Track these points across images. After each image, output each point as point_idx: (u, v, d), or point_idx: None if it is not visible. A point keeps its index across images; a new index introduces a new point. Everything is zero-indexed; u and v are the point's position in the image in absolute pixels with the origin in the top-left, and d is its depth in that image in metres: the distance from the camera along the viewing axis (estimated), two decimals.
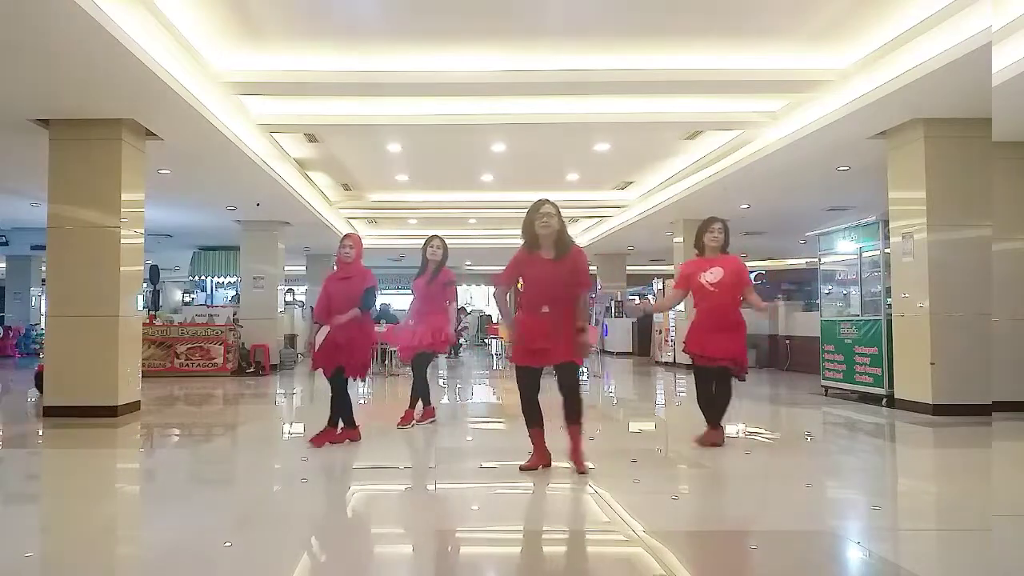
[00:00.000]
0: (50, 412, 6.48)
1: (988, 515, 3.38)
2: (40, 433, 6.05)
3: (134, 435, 6.09)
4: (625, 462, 4.49)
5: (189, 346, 11.40)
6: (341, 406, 5.11)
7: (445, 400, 7.61)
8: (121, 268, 6.67)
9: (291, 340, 14.73)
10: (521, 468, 4.21)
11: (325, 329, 5.12)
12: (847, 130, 6.93)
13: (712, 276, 5.03)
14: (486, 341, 19.95)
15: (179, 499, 3.94)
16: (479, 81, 6.43)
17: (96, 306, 6.59)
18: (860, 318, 8.08)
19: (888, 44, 5.73)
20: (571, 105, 7.25)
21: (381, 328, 10.31)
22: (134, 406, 6.87)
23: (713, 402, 5.10)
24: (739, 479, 4.40)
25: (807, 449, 5.15)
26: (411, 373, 6.11)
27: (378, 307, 11.26)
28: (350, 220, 14.73)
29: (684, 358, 12.27)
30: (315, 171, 10.47)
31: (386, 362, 11.94)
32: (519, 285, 4.46)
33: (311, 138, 8.57)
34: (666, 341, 14.16)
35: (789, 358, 12.02)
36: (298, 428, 6.83)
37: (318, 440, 5.03)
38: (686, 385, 10.47)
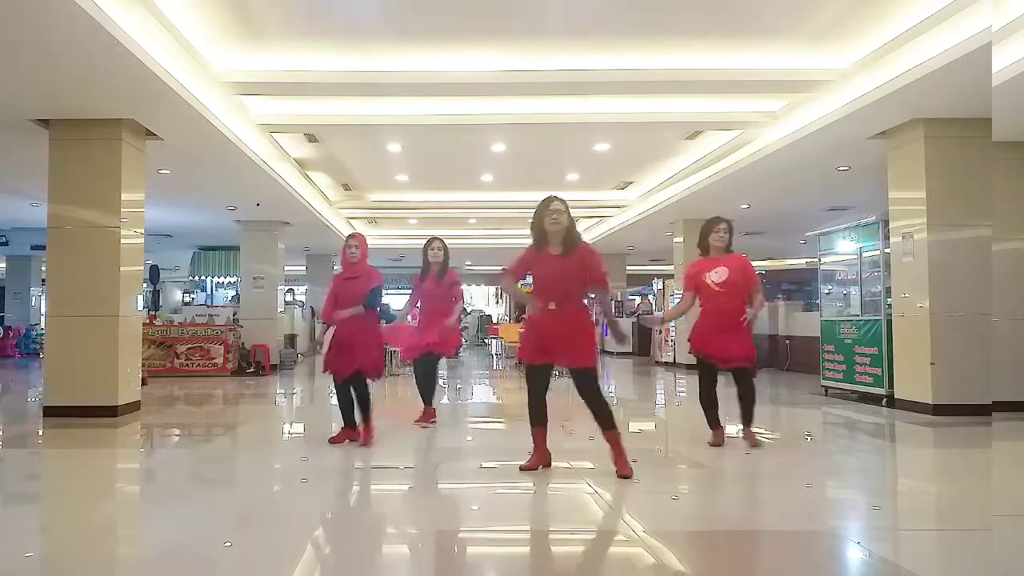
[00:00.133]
0: (50, 412, 6.48)
1: (988, 515, 3.38)
2: (40, 433, 6.05)
3: (134, 435, 6.09)
4: None
5: (189, 346, 11.40)
6: (362, 406, 5.09)
7: (445, 400, 7.62)
8: (121, 268, 6.67)
9: (291, 340, 14.74)
10: (521, 468, 4.21)
11: (332, 330, 5.12)
12: (847, 130, 6.93)
13: (717, 276, 5.00)
14: (486, 341, 19.96)
15: (179, 499, 3.94)
16: (479, 81, 6.43)
17: (96, 306, 6.59)
18: (860, 318, 8.08)
19: (888, 44, 5.73)
20: (571, 105, 7.25)
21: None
22: (134, 406, 6.87)
23: (716, 403, 5.10)
24: (739, 479, 4.40)
25: (807, 449, 5.16)
26: (412, 373, 6.11)
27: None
28: (350, 220, 14.73)
29: (684, 358, 12.40)
30: (315, 171, 10.47)
31: (387, 362, 11.94)
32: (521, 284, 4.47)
33: (311, 138, 8.57)
34: (666, 341, 14.15)
35: (789, 358, 12.02)
36: (298, 428, 6.84)
37: (367, 436, 5.03)
38: (686, 385, 10.48)
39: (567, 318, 4.08)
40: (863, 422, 6.67)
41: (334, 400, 5.43)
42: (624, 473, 4.02)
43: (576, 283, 4.13)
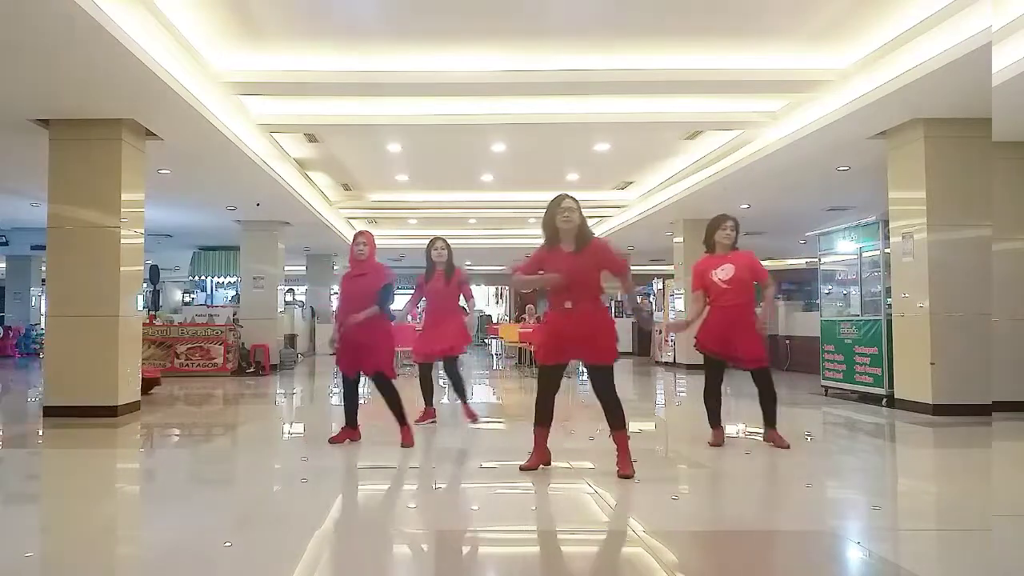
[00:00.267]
0: (50, 412, 6.48)
1: (988, 515, 3.37)
2: (40, 433, 6.05)
3: (134, 435, 6.09)
4: None
5: (189, 346, 11.40)
6: (394, 408, 5.08)
7: (445, 400, 7.61)
8: (121, 268, 6.67)
9: (291, 340, 14.74)
10: (521, 468, 4.21)
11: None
12: (847, 130, 6.93)
13: (724, 273, 4.98)
14: (486, 341, 19.96)
15: (179, 499, 3.94)
16: (479, 81, 6.43)
17: (96, 306, 6.59)
18: (860, 318, 8.08)
19: (888, 44, 5.73)
20: (571, 105, 7.25)
21: None
22: (134, 406, 6.87)
23: (720, 401, 5.09)
24: (739, 479, 4.40)
25: (807, 449, 5.15)
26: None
27: None
28: (350, 220, 14.73)
29: (684, 358, 12.41)
30: (315, 171, 10.47)
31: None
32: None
33: (311, 138, 8.57)
34: (666, 341, 14.15)
35: (789, 358, 12.03)
36: (298, 428, 6.84)
37: (407, 439, 5.02)
38: (686, 385, 10.47)
39: (585, 315, 4.07)
40: (863, 422, 6.67)
41: (335, 400, 5.43)
42: (626, 473, 4.02)
43: (592, 280, 4.12)
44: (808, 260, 17.44)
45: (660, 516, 3.46)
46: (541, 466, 4.25)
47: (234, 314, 13.03)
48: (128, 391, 6.76)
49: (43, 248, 7.53)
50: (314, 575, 2.76)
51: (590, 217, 14.66)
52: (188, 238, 15.26)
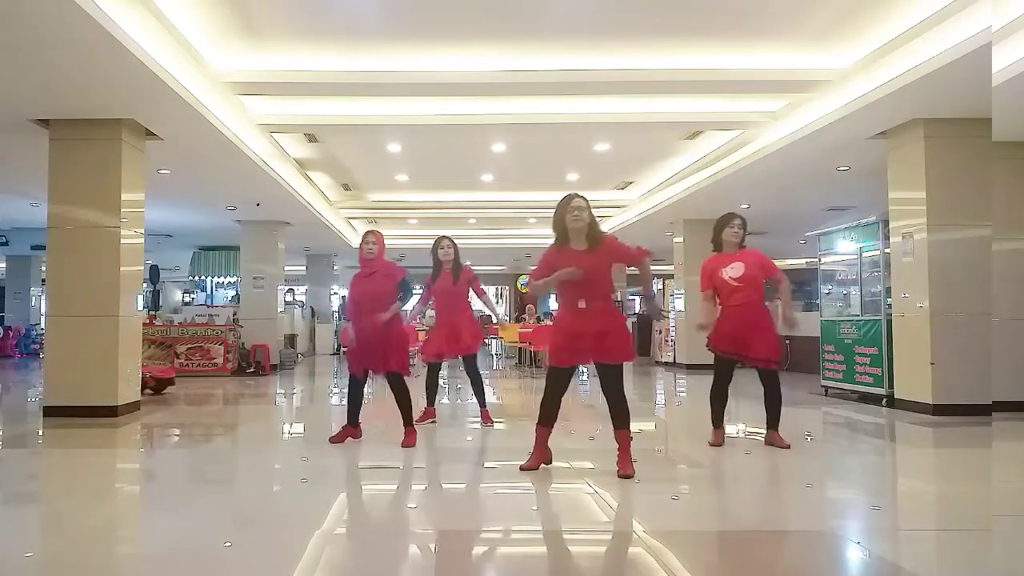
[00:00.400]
0: (50, 412, 6.48)
1: (988, 515, 3.37)
2: (40, 433, 6.05)
3: (134, 435, 6.08)
4: None
5: (189, 346, 11.40)
6: (403, 408, 5.08)
7: (445, 400, 7.61)
8: (121, 268, 6.67)
9: (291, 340, 14.74)
10: (521, 468, 4.21)
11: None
12: (847, 130, 6.93)
13: (733, 271, 4.95)
14: (486, 341, 19.96)
15: (179, 499, 3.94)
16: (479, 81, 6.43)
17: (96, 306, 6.59)
18: (860, 318, 8.08)
19: (888, 44, 5.73)
20: (571, 105, 7.25)
21: None
22: (134, 406, 6.87)
23: (725, 401, 5.08)
24: (739, 479, 4.40)
25: (807, 449, 5.15)
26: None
27: None
28: (350, 220, 14.73)
29: (684, 358, 12.41)
30: (315, 171, 10.47)
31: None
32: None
33: (311, 138, 8.57)
34: (666, 341, 14.16)
35: (789, 358, 12.02)
36: (298, 428, 6.84)
37: (410, 439, 5.02)
38: (686, 385, 10.48)
39: (599, 315, 4.06)
40: (863, 422, 6.67)
41: (335, 400, 5.43)
42: (626, 473, 4.02)
43: (605, 278, 4.11)
44: (808, 260, 17.43)
45: (660, 516, 3.46)
46: (542, 465, 4.25)
47: (234, 314, 13.03)
48: (128, 391, 6.76)
49: (43, 248, 7.53)
50: (314, 575, 2.76)
51: None
52: (188, 238, 15.26)
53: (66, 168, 6.66)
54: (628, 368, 4.23)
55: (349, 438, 5.17)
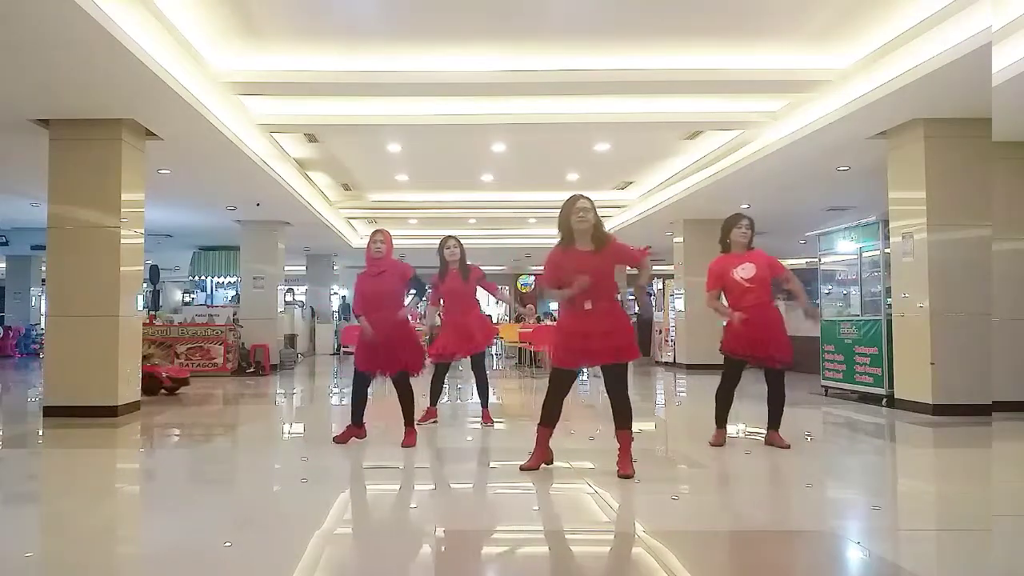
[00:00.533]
0: (50, 412, 6.48)
1: (988, 515, 3.37)
2: (40, 433, 6.05)
3: (134, 435, 6.09)
4: None
5: (189, 346, 11.40)
6: (406, 407, 5.08)
7: (445, 399, 7.61)
8: (121, 268, 6.67)
9: (291, 340, 14.73)
10: (521, 468, 4.21)
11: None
12: (847, 130, 6.93)
13: (745, 272, 4.93)
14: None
15: (179, 499, 3.94)
16: (479, 81, 6.43)
17: (96, 306, 6.59)
18: (860, 318, 8.08)
19: (888, 44, 5.73)
20: (571, 105, 7.25)
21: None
22: (134, 406, 6.87)
23: (731, 402, 5.06)
24: (739, 479, 4.40)
25: (807, 449, 5.15)
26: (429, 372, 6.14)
27: None
28: (350, 220, 14.73)
29: (684, 358, 12.40)
30: (315, 171, 10.47)
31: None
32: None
33: (311, 138, 8.57)
34: (666, 341, 14.16)
35: None
36: (298, 428, 6.84)
37: (410, 439, 5.02)
38: (686, 385, 10.48)
39: (604, 315, 4.06)
40: (863, 422, 6.67)
41: (335, 400, 5.43)
42: (626, 473, 4.02)
43: (610, 279, 4.11)
44: (808, 260, 17.43)
45: (660, 516, 3.46)
46: (543, 465, 4.25)
47: (234, 314, 13.03)
48: (128, 391, 6.76)
49: (43, 248, 7.54)
50: (314, 575, 2.76)
51: None
52: (188, 238, 15.27)
53: (66, 168, 6.66)
54: (628, 367, 4.22)
55: (353, 438, 5.16)
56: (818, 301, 9.44)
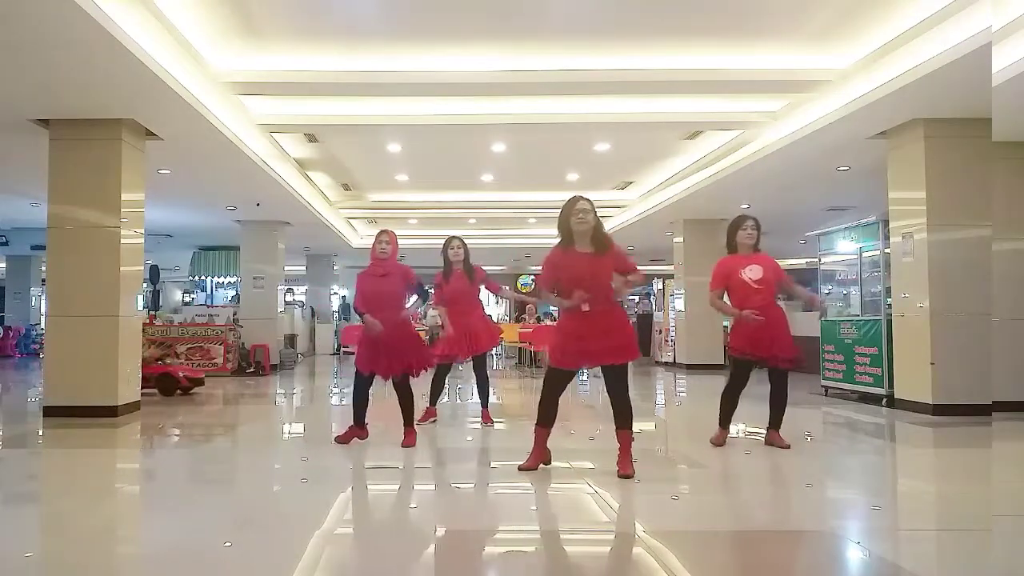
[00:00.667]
0: (50, 412, 6.48)
1: (988, 515, 3.37)
2: (40, 433, 6.05)
3: (134, 435, 6.08)
4: None
5: (189, 346, 11.40)
6: (406, 408, 5.08)
7: (445, 399, 7.61)
8: (121, 268, 6.67)
9: (291, 340, 14.73)
10: (520, 468, 4.21)
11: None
12: (847, 130, 6.93)
13: (753, 273, 4.93)
14: None
15: (179, 499, 3.94)
16: (479, 81, 6.43)
17: (96, 306, 6.59)
18: (860, 318, 8.08)
19: (888, 44, 5.73)
20: (571, 105, 7.25)
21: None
22: (134, 406, 6.87)
23: (736, 403, 5.06)
24: (739, 479, 4.40)
25: (807, 449, 5.15)
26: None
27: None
28: (350, 220, 14.73)
29: (684, 358, 12.40)
30: (315, 171, 10.47)
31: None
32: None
33: (311, 138, 8.57)
34: (666, 341, 14.17)
35: None
36: (298, 428, 6.84)
37: (410, 439, 5.02)
38: (686, 385, 10.48)
39: (603, 317, 4.05)
40: (863, 422, 6.67)
41: (334, 400, 5.42)
42: (626, 473, 4.02)
43: (608, 281, 4.10)
44: (808, 260, 17.44)
45: (660, 516, 3.46)
46: (541, 465, 4.25)
47: (234, 314, 13.03)
48: (128, 391, 6.76)
49: (43, 248, 7.53)
50: (314, 575, 2.76)
51: None
52: (188, 238, 15.27)
53: (66, 168, 6.66)
54: (628, 367, 4.21)
55: (355, 439, 5.15)
56: (824, 295, 9.46)
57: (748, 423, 5.82)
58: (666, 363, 13.89)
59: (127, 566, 2.97)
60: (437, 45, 6.03)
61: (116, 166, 6.65)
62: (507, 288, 6.23)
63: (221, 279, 17.07)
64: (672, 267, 13.66)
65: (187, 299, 20.01)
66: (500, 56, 6.18)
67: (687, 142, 8.81)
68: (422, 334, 9.06)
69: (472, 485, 4.19)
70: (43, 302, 16.11)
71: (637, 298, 19.97)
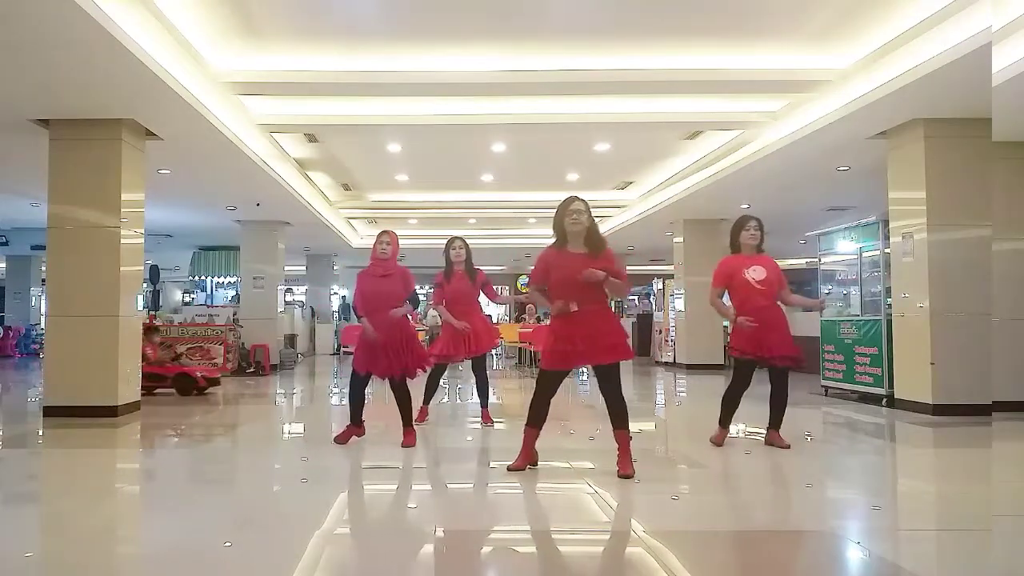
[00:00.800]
0: (50, 412, 6.48)
1: (988, 515, 3.37)
2: (40, 433, 6.05)
3: (134, 435, 6.08)
4: None
5: (189, 346, 11.39)
6: (404, 408, 5.08)
7: (445, 399, 7.62)
8: (121, 268, 6.67)
9: (291, 340, 14.73)
10: (509, 469, 4.21)
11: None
12: (847, 130, 6.93)
13: (756, 274, 4.94)
14: None
15: (179, 499, 3.94)
16: (479, 81, 6.43)
17: (96, 306, 6.59)
18: (860, 318, 8.08)
19: (888, 44, 5.73)
20: (571, 105, 7.25)
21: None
22: (134, 406, 6.87)
23: (738, 404, 5.05)
24: (739, 479, 4.40)
25: (807, 449, 5.15)
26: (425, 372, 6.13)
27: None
28: (350, 220, 14.73)
29: (684, 358, 12.41)
30: (315, 171, 10.47)
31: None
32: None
33: (311, 138, 8.57)
34: (666, 341, 14.16)
35: None
36: (298, 428, 6.84)
37: (409, 439, 5.02)
38: (686, 385, 10.48)
39: (593, 317, 4.05)
40: (863, 422, 6.67)
41: (334, 400, 5.42)
42: (626, 473, 4.02)
43: (599, 282, 4.10)
44: (808, 260, 17.45)
45: (660, 516, 3.46)
46: (528, 466, 4.25)
47: (234, 314, 13.03)
48: (128, 391, 6.76)
49: (43, 248, 7.53)
50: (314, 575, 2.76)
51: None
52: (188, 238, 15.27)
53: (66, 168, 6.66)
54: (628, 368, 4.21)
55: (354, 436, 5.15)
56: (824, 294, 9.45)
57: (748, 423, 5.83)
58: (666, 363, 13.88)
59: (127, 566, 2.97)
60: (437, 45, 6.03)
61: (116, 166, 6.65)
62: (504, 294, 6.25)
63: (221, 279, 17.07)
64: (672, 267, 13.66)
65: (187, 299, 20.01)
66: (500, 56, 6.18)
67: (687, 142, 8.81)
68: (421, 334, 9.07)
69: (471, 485, 4.19)
70: (43, 302, 16.11)
71: (637, 298, 20.01)
